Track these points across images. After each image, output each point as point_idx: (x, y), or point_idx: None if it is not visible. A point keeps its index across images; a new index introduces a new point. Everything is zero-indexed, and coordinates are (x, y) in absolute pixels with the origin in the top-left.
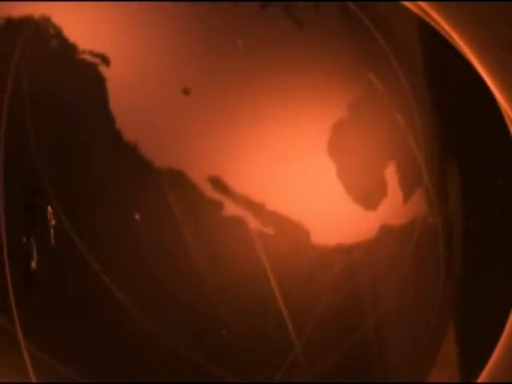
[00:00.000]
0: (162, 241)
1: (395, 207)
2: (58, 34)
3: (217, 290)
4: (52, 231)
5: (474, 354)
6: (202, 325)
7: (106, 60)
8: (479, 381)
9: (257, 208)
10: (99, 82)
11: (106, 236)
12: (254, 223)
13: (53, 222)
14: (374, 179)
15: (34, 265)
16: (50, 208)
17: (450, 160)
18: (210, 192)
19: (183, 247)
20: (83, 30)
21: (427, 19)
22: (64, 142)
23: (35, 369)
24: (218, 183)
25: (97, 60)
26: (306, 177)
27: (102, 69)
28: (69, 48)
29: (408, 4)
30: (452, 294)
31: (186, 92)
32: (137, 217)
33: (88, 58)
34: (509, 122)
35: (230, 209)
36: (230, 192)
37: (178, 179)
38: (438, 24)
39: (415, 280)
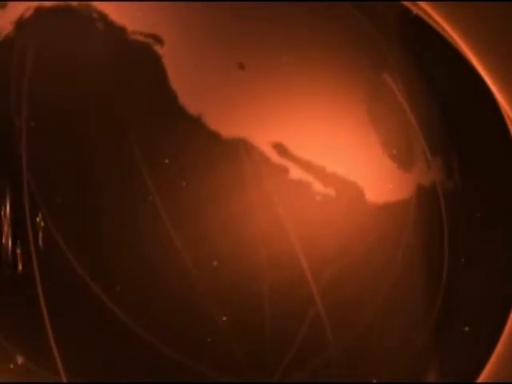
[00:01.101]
0: (152, 243)
1: (422, 170)
2: (103, 18)
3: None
4: (41, 234)
5: (473, 354)
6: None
7: (159, 40)
8: (479, 381)
9: (318, 171)
10: (155, 61)
11: (93, 239)
12: (316, 185)
13: (42, 223)
14: (404, 145)
15: (20, 267)
16: (40, 214)
17: (452, 158)
18: (276, 158)
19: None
20: (130, 13)
21: (427, 19)
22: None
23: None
24: (281, 149)
25: (149, 40)
26: (356, 141)
27: (157, 48)
28: (117, 30)
29: (408, 4)
30: (455, 286)
31: (241, 66)
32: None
33: (140, 38)
34: (509, 122)
35: (295, 173)
36: (293, 157)
37: (246, 147)
38: (438, 24)
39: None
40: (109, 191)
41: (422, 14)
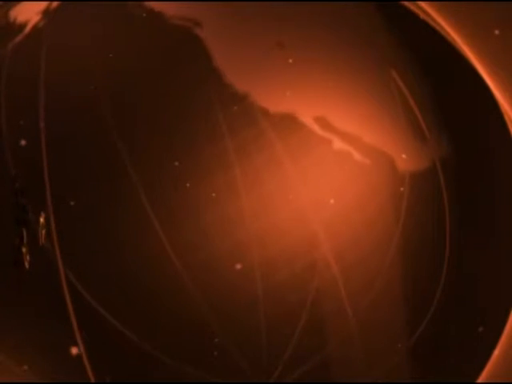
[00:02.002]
0: (145, 252)
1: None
2: (140, 5)
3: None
4: (44, 232)
5: (473, 353)
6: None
7: (198, 23)
8: (479, 381)
9: (355, 141)
10: (195, 43)
11: (84, 249)
12: (356, 155)
13: (45, 223)
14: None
15: (27, 264)
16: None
17: (451, 157)
18: (318, 130)
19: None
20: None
21: (427, 19)
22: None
23: None
24: (324, 123)
25: (189, 23)
26: (387, 116)
27: (197, 30)
28: (156, 15)
29: (408, 4)
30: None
31: (280, 45)
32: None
33: (179, 22)
34: (509, 122)
35: (337, 144)
36: (334, 129)
37: (290, 121)
38: (438, 24)
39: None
40: (118, 194)
41: (421, 14)
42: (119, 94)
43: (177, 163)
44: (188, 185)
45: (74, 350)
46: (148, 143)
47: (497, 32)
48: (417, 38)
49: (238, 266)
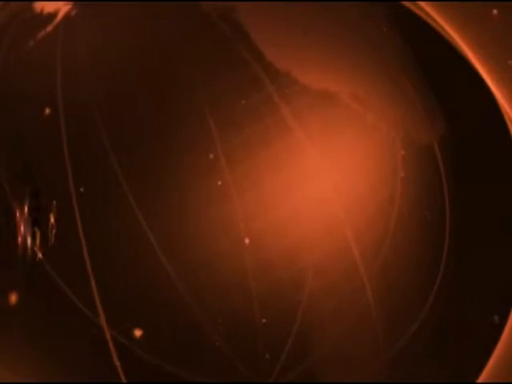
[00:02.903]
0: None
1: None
2: None
3: None
4: (54, 231)
5: (473, 354)
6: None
7: (232, 9)
8: (479, 381)
9: (382, 115)
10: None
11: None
12: (385, 128)
13: (53, 221)
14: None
15: (40, 255)
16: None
17: (451, 157)
18: (353, 106)
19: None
20: None
21: (427, 19)
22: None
23: None
24: (356, 99)
25: (222, 11)
26: (402, 95)
27: (234, 15)
28: (192, 6)
29: (408, 4)
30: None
31: (304, 33)
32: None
33: (210, 9)
34: (509, 122)
35: (370, 119)
36: (367, 104)
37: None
38: (438, 24)
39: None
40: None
41: (422, 14)
42: (128, 91)
43: (183, 158)
44: (193, 180)
45: (138, 333)
46: (158, 135)
47: (499, 26)
48: (417, 38)
49: (247, 241)
